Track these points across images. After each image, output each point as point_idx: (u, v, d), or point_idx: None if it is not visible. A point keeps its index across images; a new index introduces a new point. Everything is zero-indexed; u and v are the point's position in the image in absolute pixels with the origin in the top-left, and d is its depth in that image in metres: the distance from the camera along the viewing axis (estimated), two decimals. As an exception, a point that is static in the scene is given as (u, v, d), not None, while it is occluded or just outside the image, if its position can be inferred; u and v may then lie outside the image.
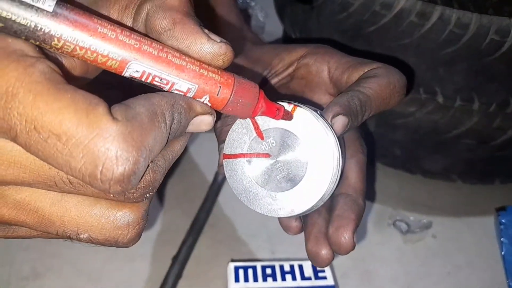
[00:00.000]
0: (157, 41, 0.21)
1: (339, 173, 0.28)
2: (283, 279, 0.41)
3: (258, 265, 0.42)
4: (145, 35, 0.21)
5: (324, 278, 0.41)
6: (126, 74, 0.20)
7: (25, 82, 0.17)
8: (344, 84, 0.33)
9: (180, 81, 0.21)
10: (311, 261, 0.31)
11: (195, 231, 0.47)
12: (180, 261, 0.44)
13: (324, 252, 0.30)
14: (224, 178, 0.52)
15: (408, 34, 0.42)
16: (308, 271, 0.42)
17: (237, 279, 0.41)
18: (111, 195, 0.20)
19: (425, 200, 0.53)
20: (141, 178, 0.20)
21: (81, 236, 0.21)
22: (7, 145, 0.18)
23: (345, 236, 0.28)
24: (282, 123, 0.27)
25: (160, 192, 0.51)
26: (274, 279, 0.41)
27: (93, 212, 0.21)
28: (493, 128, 0.46)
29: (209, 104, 0.22)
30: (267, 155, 0.28)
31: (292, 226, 0.32)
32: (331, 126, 0.27)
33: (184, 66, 0.21)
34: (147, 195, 0.21)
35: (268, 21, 0.74)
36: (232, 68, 0.23)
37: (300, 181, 0.27)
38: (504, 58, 0.41)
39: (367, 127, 0.50)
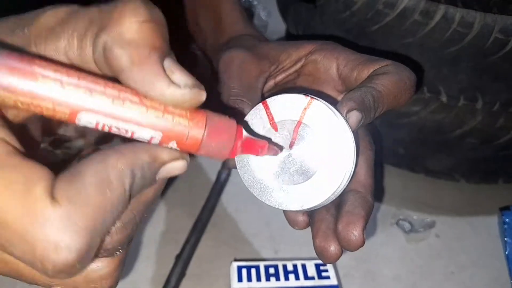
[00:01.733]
0: (113, 81, 0.18)
1: (354, 169, 0.27)
2: (286, 278, 0.41)
3: (261, 265, 0.42)
4: (101, 75, 0.19)
5: (328, 277, 0.41)
6: (80, 123, 0.18)
7: None
8: (353, 81, 0.33)
9: (140, 129, 0.18)
10: (318, 256, 0.30)
11: (198, 230, 0.47)
12: (183, 260, 0.44)
13: (333, 248, 0.29)
14: (227, 177, 0.52)
15: (412, 33, 0.42)
16: (311, 270, 0.42)
17: (240, 279, 0.41)
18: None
19: (428, 199, 0.53)
20: (108, 237, 0.19)
21: None
22: None
23: (355, 233, 0.28)
24: (297, 115, 0.27)
25: (163, 192, 0.51)
26: (277, 279, 0.41)
27: None
28: (497, 128, 0.46)
29: (178, 149, 0.20)
30: (280, 148, 0.27)
31: (299, 221, 0.31)
32: (347, 121, 0.27)
33: (144, 112, 0.18)
34: (118, 251, 0.20)
35: (271, 20, 0.74)
36: (239, 64, 0.22)
37: (313, 174, 0.27)
38: (508, 57, 0.41)
39: (375, 124, 0.50)
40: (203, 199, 0.50)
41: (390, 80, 0.29)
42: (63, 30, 0.19)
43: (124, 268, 0.22)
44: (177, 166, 0.20)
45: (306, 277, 0.41)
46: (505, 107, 0.45)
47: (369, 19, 0.43)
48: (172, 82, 0.18)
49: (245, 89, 0.32)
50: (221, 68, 0.34)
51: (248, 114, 0.28)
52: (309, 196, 0.27)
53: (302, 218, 0.31)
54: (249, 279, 0.41)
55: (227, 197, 0.51)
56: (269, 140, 0.27)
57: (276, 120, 0.27)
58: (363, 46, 0.45)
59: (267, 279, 0.41)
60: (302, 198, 0.27)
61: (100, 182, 0.17)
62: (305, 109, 0.26)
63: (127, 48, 0.18)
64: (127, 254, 0.22)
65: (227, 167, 0.52)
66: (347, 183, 0.27)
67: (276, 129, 0.27)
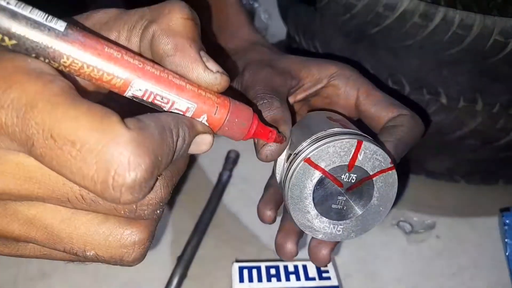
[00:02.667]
0: (159, 64, 0.22)
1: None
2: (287, 279, 0.41)
3: (263, 266, 0.43)
4: (149, 58, 0.22)
5: (328, 278, 0.41)
6: (129, 93, 0.21)
7: (44, 94, 0.17)
8: (370, 117, 0.35)
9: (180, 100, 0.21)
10: (276, 251, 0.33)
11: (200, 231, 0.47)
12: (184, 261, 0.44)
13: (289, 246, 0.32)
14: (229, 178, 0.53)
15: (412, 35, 0.42)
16: (312, 271, 0.42)
17: (241, 279, 0.41)
18: (122, 211, 0.20)
19: (429, 200, 0.53)
20: (152, 191, 0.20)
21: (88, 254, 0.21)
22: (24, 160, 0.19)
23: (323, 252, 0.31)
24: (373, 171, 0.29)
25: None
26: (278, 279, 0.41)
27: (101, 230, 0.21)
28: (497, 129, 0.46)
29: (207, 124, 0.23)
30: (340, 185, 0.29)
31: (266, 215, 0.34)
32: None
33: (183, 86, 0.22)
34: (157, 211, 0.21)
35: (271, 22, 0.74)
36: (265, 75, 0.24)
37: (346, 220, 0.29)
38: (508, 59, 0.41)
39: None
40: (204, 200, 0.50)
41: (409, 134, 0.33)
42: (115, 24, 0.23)
43: (152, 240, 0.23)
44: (207, 139, 0.22)
45: (307, 278, 0.41)
46: (505, 108, 0.45)
47: (369, 22, 0.43)
48: (207, 67, 0.22)
49: (273, 93, 0.33)
50: (247, 81, 0.35)
51: (337, 139, 0.28)
52: (331, 233, 0.30)
53: (269, 213, 0.34)
54: (251, 279, 0.41)
55: (228, 198, 0.51)
56: (333, 175, 0.29)
57: (356, 163, 0.28)
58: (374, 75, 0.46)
59: (268, 280, 0.41)
60: (324, 232, 0.30)
61: (158, 126, 0.19)
62: (383, 170, 0.29)
63: (173, 37, 0.22)
64: (156, 228, 0.23)
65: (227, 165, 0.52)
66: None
67: (350, 170, 0.28)
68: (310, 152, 0.28)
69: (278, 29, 0.68)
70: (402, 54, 0.44)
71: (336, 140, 0.28)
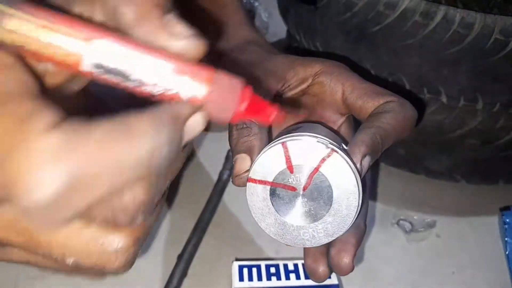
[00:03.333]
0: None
1: (355, 220, 0.29)
2: (287, 278, 0.41)
3: (262, 264, 0.43)
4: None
5: (328, 277, 0.41)
6: (85, 65, 0.17)
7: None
8: (357, 110, 0.34)
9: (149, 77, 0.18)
10: (309, 275, 0.33)
11: (200, 230, 0.47)
12: (185, 259, 0.44)
13: (322, 269, 0.32)
14: (229, 177, 0.53)
15: (412, 34, 0.42)
16: (312, 270, 0.42)
17: (241, 278, 0.41)
18: (96, 219, 0.18)
19: (429, 199, 0.53)
20: (126, 196, 0.17)
21: (68, 260, 0.20)
22: None
23: (345, 260, 0.30)
24: (315, 163, 0.28)
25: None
26: (278, 278, 0.41)
27: (82, 236, 0.19)
28: (497, 128, 0.46)
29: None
30: (293, 189, 0.29)
31: (318, 272, 0.32)
32: (359, 172, 0.29)
33: (150, 59, 0.18)
34: (141, 217, 0.19)
35: (272, 21, 0.74)
36: (249, 79, 0.23)
37: (319, 219, 0.29)
38: (508, 58, 0.41)
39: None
40: (205, 199, 0.50)
41: (396, 119, 0.31)
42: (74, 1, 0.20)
43: (143, 245, 0.21)
44: (199, 120, 0.19)
45: (307, 277, 0.41)
46: (505, 108, 0.45)
47: (369, 21, 0.43)
48: (172, 34, 0.19)
49: None
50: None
51: (267, 149, 0.29)
52: (310, 238, 0.29)
53: (322, 269, 0.32)
54: (250, 278, 0.41)
55: (229, 197, 0.51)
56: (280, 183, 0.29)
57: (293, 163, 0.28)
58: (365, 69, 0.45)
59: (268, 279, 0.41)
60: (303, 238, 0.29)
61: (119, 131, 0.16)
62: (324, 159, 0.28)
63: (131, 5, 0.19)
64: (148, 232, 0.21)
65: (228, 167, 0.52)
66: (347, 230, 0.30)
67: (292, 171, 0.28)
68: (250, 171, 0.29)
69: (278, 28, 0.68)
70: (403, 53, 0.44)
71: (264, 151, 0.29)
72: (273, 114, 0.21)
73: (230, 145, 0.34)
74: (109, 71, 0.17)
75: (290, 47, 0.58)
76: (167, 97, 0.18)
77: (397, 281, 0.45)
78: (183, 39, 0.19)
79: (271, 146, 0.29)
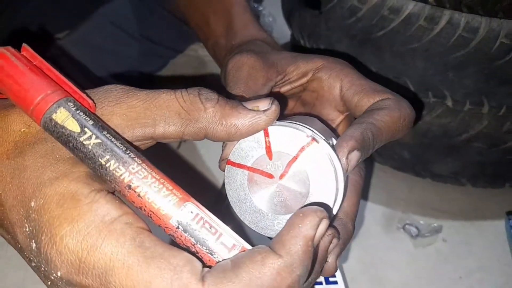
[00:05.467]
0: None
1: (336, 213, 0.28)
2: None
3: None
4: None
5: (335, 283, 0.41)
6: (179, 215, 0.21)
7: (119, 255, 0.19)
8: (353, 107, 0.33)
9: (228, 233, 0.21)
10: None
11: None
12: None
13: (330, 262, 0.29)
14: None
15: (417, 38, 0.42)
16: (319, 275, 0.42)
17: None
18: None
19: (435, 204, 0.53)
20: None
21: None
22: None
23: (329, 261, 0.29)
24: (294, 151, 0.27)
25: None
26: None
27: None
28: (503, 132, 0.46)
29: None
30: (270, 176, 0.28)
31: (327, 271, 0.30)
32: (340, 162, 0.27)
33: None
34: None
35: (276, 25, 0.74)
36: (248, 70, 0.27)
37: (294, 211, 0.27)
38: (514, 62, 0.41)
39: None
40: (210, 203, 0.50)
41: (390, 116, 0.29)
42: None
43: None
44: (322, 229, 0.21)
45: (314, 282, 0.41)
46: (511, 111, 0.45)
47: (374, 25, 0.43)
48: (257, 118, 0.25)
49: (250, 95, 0.32)
50: (230, 71, 0.34)
51: (244, 140, 0.28)
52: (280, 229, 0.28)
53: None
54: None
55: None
56: (258, 169, 0.28)
57: (273, 149, 0.27)
58: (363, 64, 0.45)
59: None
60: (278, 228, 0.28)
61: (252, 282, 0.18)
62: (303, 147, 0.27)
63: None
64: None
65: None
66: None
67: (271, 158, 0.27)
68: (230, 154, 0.28)
69: (282, 32, 0.68)
70: (408, 57, 0.44)
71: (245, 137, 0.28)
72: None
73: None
74: (188, 232, 0.21)
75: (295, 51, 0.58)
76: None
77: (403, 286, 0.45)
78: (271, 110, 0.23)
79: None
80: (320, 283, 0.41)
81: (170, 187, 0.21)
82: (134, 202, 0.20)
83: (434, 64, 0.43)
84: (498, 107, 0.44)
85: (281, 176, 0.27)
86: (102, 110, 0.22)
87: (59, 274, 0.19)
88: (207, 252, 0.20)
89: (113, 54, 0.52)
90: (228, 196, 0.29)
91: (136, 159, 0.21)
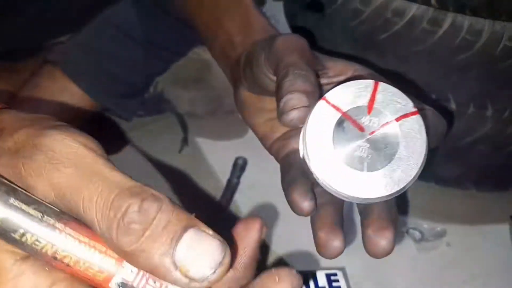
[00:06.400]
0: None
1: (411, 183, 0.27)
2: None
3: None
4: None
5: (338, 287, 0.41)
6: (118, 278, 0.18)
7: None
8: None
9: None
10: (318, 249, 0.29)
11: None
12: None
13: (336, 243, 0.28)
14: (236, 185, 0.53)
15: (421, 41, 0.42)
16: (322, 280, 0.42)
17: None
18: None
19: (439, 208, 0.53)
20: None
21: None
22: None
23: (386, 240, 0.27)
24: (395, 115, 0.26)
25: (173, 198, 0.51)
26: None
27: None
28: (507, 135, 0.46)
29: None
30: (362, 129, 0.26)
31: (304, 206, 0.28)
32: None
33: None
34: None
35: (278, 28, 0.74)
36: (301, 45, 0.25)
37: (374, 171, 0.26)
38: (518, 64, 0.41)
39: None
40: (213, 205, 0.50)
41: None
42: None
43: None
44: None
45: (317, 287, 0.41)
46: (515, 114, 0.44)
47: (378, 28, 0.43)
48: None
49: (303, 67, 0.30)
50: (280, 44, 0.31)
51: (356, 82, 0.27)
52: (358, 187, 0.26)
53: (307, 203, 0.28)
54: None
55: (237, 205, 0.51)
56: (353, 117, 0.26)
57: (375, 105, 0.26)
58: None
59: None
60: (350, 185, 0.26)
61: None
62: (406, 115, 0.26)
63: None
64: None
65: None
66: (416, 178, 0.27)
67: (369, 112, 0.26)
68: (328, 92, 0.26)
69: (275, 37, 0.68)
70: (411, 60, 0.43)
71: (352, 81, 0.27)
72: None
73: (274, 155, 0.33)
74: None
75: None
76: None
77: (407, 290, 0.45)
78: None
79: (361, 80, 0.27)
80: (323, 287, 0.41)
81: (103, 249, 0.18)
82: (65, 272, 0.18)
83: (438, 67, 0.43)
84: (502, 110, 0.44)
85: (372, 133, 0.26)
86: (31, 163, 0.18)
87: None
88: None
89: (115, 58, 0.52)
90: (306, 135, 0.27)
91: (56, 224, 0.18)
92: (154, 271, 0.17)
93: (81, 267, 0.18)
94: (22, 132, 0.18)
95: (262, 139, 0.37)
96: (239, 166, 0.54)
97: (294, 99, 0.27)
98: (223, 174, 0.54)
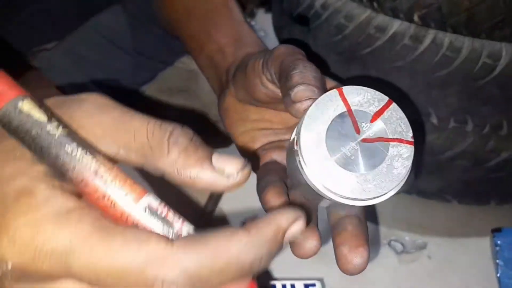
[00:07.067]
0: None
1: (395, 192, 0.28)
2: (277, 298, 0.41)
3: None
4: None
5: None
6: (144, 201, 0.20)
7: (79, 238, 0.18)
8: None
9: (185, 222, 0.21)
10: (292, 250, 0.29)
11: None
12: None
13: (313, 243, 0.29)
14: (221, 195, 0.53)
15: (402, 56, 0.43)
16: (301, 291, 0.42)
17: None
18: None
19: (420, 220, 0.53)
20: None
21: None
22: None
23: (364, 256, 0.29)
24: (392, 134, 0.27)
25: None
26: (268, 298, 0.41)
27: None
28: (487, 150, 0.47)
29: (294, 209, 0.21)
30: (358, 131, 0.27)
31: (277, 206, 0.30)
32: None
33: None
34: None
35: (267, 40, 0.75)
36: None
37: (348, 172, 0.26)
38: (496, 81, 0.41)
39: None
40: (198, 212, 0.50)
41: None
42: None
43: None
44: (296, 228, 0.20)
45: (296, 297, 0.41)
46: (494, 129, 0.45)
47: (360, 43, 0.44)
48: (225, 178, 0.21)
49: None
50: (283, 49, 0.32)
51: (370, 89, 0.27)
52: (345, 186, 0.26)
53: (280, 203, 0.29)
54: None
55: (223, 209, 0.51)
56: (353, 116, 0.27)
57: (384, 114, 0.27)
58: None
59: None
60: (338, 184, 0.26)
61: (218, 249, 0.19)
62: (400, 140, 0.27)
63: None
64: None
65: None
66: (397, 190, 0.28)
67: (372, 120, 0.27)
68: (345, 86, 0.27)
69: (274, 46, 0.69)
70: (393, 74, 0.44)
71: (369, 89, 0.27)
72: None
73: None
74: (156, 216, 0.20)
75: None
76: None
77: (387, 302, 0.45)
78: (235, 178, 0.21)
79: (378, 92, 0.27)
80: (302, 298, 0.41)
81: (132, 181, 0.21)
82: (97, 191, 0.20)
83: (419, 82, 0.44)
84: (482, 126, 0.45)
85: (365, 140, 0.27)
86: (70, 120, 0.21)
87: (9, 265, 0.18)
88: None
89: (101, 66, 0.52)
90: (302, 128, 0.27)
91: (99, 154, 0.20)
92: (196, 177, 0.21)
93: (117, 183, 0.20)
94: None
95: (241, 149, 0.37)
96: (223, 176, 0.54)
97: (307, 91, 0.27)
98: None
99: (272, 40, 0.69)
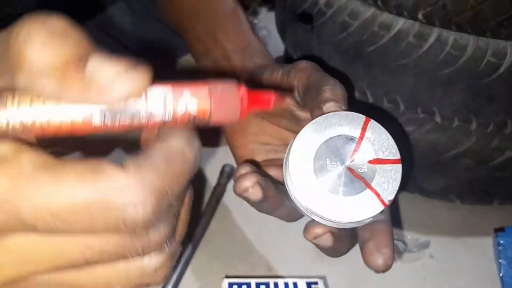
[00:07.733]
0: None
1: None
2: (279, 296, 0.41)
3: (253, 282, 0.42)
4: None
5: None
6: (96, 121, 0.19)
7: (21, 178, 0.16)
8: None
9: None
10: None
11: (192, 245, 0.47)
12: (176, 275, 0.43)
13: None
14: (223, 192, 0.53)
15: (407, 54, 0.42)
16: (303, 288, 0.42)
17: (232, 295, 0.41)
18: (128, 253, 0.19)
19: (422, 219, 0.53)
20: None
21: None
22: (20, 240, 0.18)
23: (381, 261, 0.31)
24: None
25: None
26: (270, 296, 0.41)
27: (120, 267, 0.20)
28: (491, 149, 0.46)
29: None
30: (347, 153, 0.27)
31: (248, 189, 0.30)
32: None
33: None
34: (166, 245, 0.21)
35: (270, 38, 0.75)
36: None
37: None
38: (500, 80, 0.41)
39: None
40: (197, 214, 0.50)
41: None
42: None
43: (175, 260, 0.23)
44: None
45: (299, 295, 0.41)
46: (499, 128, 0.45)
47: (365, 41, 0.44)
48: (104, 88, 0.18)
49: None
50: (305, 64, 0.33)
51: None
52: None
53: (253, 188, 0.30)
54: (241, 296, 0.41)
55: (222, 213, 0.51)
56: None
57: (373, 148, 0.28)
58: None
59: (260, 297, 0.41)
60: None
61: (167, 155, 0.18)
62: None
63: (44, 79, 0.18)
64: (178, 249, 0.23)
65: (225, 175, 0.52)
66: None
67: (357, 149, 0.27)
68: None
69: (277, 46, 0.69)
70: (398, 73, 0.44)
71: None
72: (272, 99, 0.23)
73: None
74: (117, 115, 0.19)
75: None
76: (179, 119, 0.20)
77: (390, 301, 0.45)
78: (119, 84, 0.18)
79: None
80: (304, 296, 0.41)
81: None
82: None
83: (423, 80, 0.44)
84: (486, 125, 0.45)
85: (351, 169, 0.27)
86: None
87: None
88: None
89: None
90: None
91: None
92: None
93: (59, 125, 0.18)
94: None
95: (239, 159, 0.37)
96: (226, 173, 0.54)
97: (336, 107, 0.28)
98: (210, 181, 0.54)
99: (275, 39, 0.69)
